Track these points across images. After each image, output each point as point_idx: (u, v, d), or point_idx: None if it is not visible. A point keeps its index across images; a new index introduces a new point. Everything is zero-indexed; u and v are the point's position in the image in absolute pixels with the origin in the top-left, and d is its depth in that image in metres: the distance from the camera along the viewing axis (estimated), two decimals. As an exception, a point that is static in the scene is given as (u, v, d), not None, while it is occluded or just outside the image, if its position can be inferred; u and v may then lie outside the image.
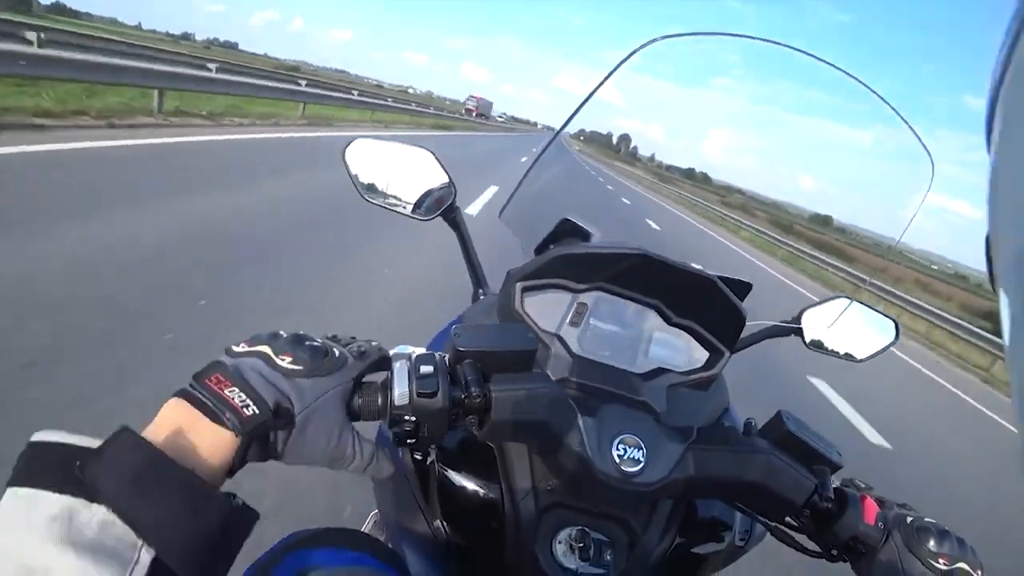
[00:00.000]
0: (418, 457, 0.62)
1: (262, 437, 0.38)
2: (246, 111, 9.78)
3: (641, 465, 0.48)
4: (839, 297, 0.89)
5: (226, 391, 0.37)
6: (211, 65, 10.15)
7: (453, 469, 0.59)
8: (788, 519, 0.52)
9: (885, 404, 5.36)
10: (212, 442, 0.35)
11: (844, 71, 0.70)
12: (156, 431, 0.35)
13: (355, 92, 16.63)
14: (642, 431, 0.50)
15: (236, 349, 0.42)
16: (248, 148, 7.33)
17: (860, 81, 0.69)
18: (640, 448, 0.48)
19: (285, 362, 0.41)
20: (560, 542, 0.54)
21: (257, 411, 0.37)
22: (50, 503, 0.28)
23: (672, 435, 0.50)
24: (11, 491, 0.29)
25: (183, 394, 0.37)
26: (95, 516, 0.29)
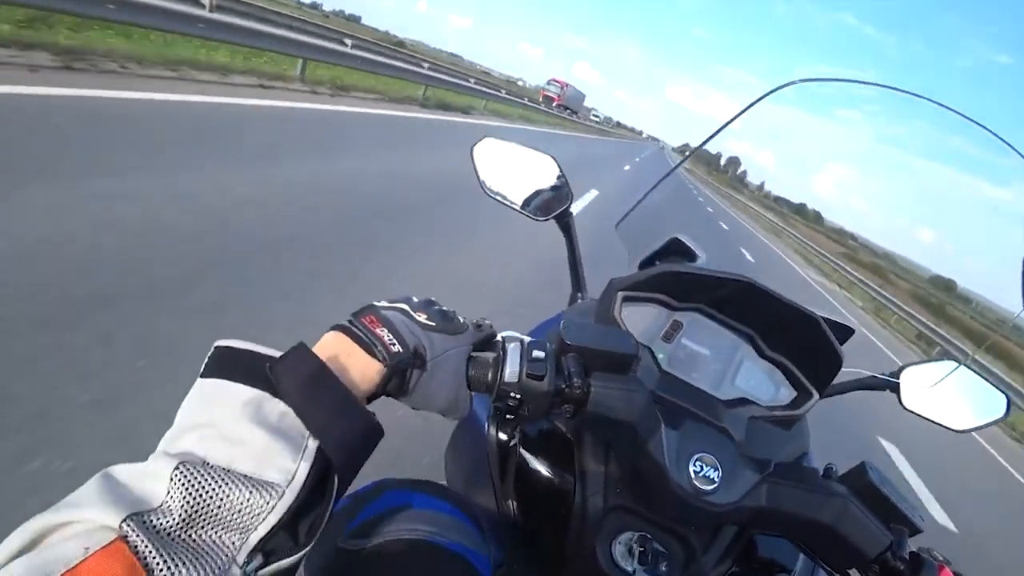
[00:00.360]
0: (503, 437, 0.66)
1: (401, 372, 0.45)
2: (372, 86, 10.62)
3: (715, 485, 0.49)
4: (947, 359, 0.84)
5: (377, 329, 0.44)
6: (347, 41, 11.01)
7: (532, 455, 0.63)
8: (853, 572, 0.50)
9: (958, 485, 4.93)
10: (364, 369, 0.42)
11: (987, 128, 0.67)
12: (319, 353, 0.41)
13: (472, 80, 17.36)
14: (721, 453, 0.51)
15: (379, 304, 0.48)
16: (377, 123, 8.11)
17: (1003, 140, 0.66)
18: (717, 468, 0.50)
19: (421, 318, 0.48)
20: (620, 543, 0.55)
21: (401, 349, 0.44)
22: (244, 392, 0.35)
23: (750, 463, 0.51)
24: (208, 381, 0.36)
25: (342, 328, 0.44)
26: (277, 407, 0.35)
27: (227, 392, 0.36)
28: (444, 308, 0.51)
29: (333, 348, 0.43)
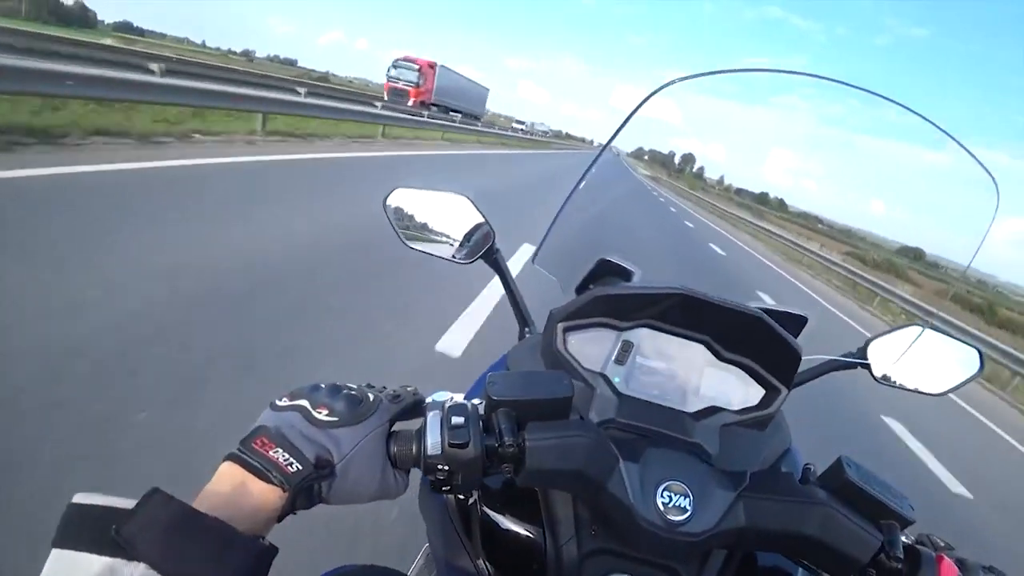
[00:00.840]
0: (461, 497, 0.62)
1: (307, 488, 0.42)
2: (332, 132, 11.17)
3: (688, 514, 0.46)
4: (910, 325, 0.82)
5: (271, 452, 0.41)
6: (300, 89, 11.72)
7: (495, 510, 0.59)
8: None
9: (967, 452, 4.97)
10: (261, 497, 0.40)
11: (885, 97, 0.66)
12: (213, 489, 0.39)
13: (425, 114, 18.57)
14: (689, 477, 0.48)
15: (279, 403, 0.46)
16: (344, 166, 8.37)
17: (905, 106, 0.65)
18: (687, 496, 0.46)
19: (322, 415, 0.45)
20: None
21: (300, 467, 0.41)
22: (90, 563, 0.31)
23: (723, 481, 0.48)
24: (56, 553, 0.32)
25: (233, 458, 0.41)
26: (135, 572, 0.32)
27: (72, 567, 0.32)
28: (352, 389, 0.48)
29: (227, 481, 0.40)
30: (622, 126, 0.70)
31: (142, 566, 0.32)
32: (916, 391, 0.82)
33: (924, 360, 0.80)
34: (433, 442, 0.44)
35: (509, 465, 0.45)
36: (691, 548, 0.47)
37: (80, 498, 0.34)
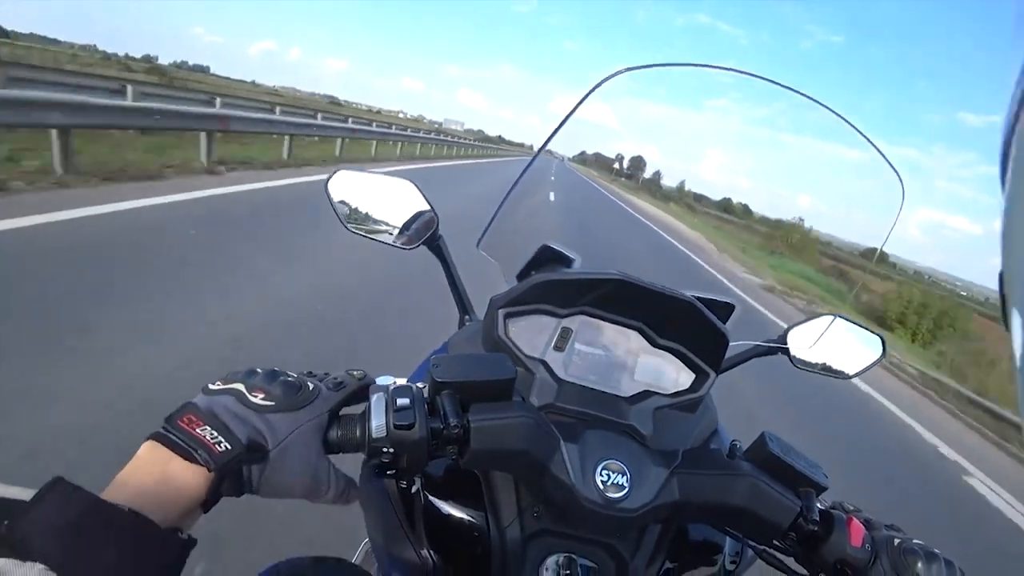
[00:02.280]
0: (403, 485, 0.62)
1: (235, 472, 0.39)
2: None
3: (625, 490, 0.48)
4: (824, 314, 0.89)
5: (198, 430, 0.38)
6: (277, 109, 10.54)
7: (438, 497, 0.59)
8: (775, 542, 0.51)
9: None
10: (185, 480, 0.36)
11: (812, 99, 0.71)
12: (131, 473, 0.36)
13: (374, 124, 16.66)
14: (626, 456, 0.50)
15: (212, 387, 0.43)
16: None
17: (826, 106, 0.71)
18: (624, 473, 0.48)
19: (258, 398, 0.42)
20: (547, 569, 0.53)
21: (229, 447, 0.38)
22: None
23: (657, 459, 0.50)
24: None
25: (156, 437, 0.37)
26: (29, 574, 0.28)
27: None
28: (291, 376, 0.46)
29: (147, 463, 0.37)
30: (565, 120, 0.71)
31: (38, 567, 0.28)
32: (829, 374, 0.89)
33: (836, 346, 0.87)
34: (378, 424, 0.44)
35: (454, 447, 0.45)
36: (629, 523, 0.49)
37: None
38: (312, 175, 7.81)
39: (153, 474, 0.36)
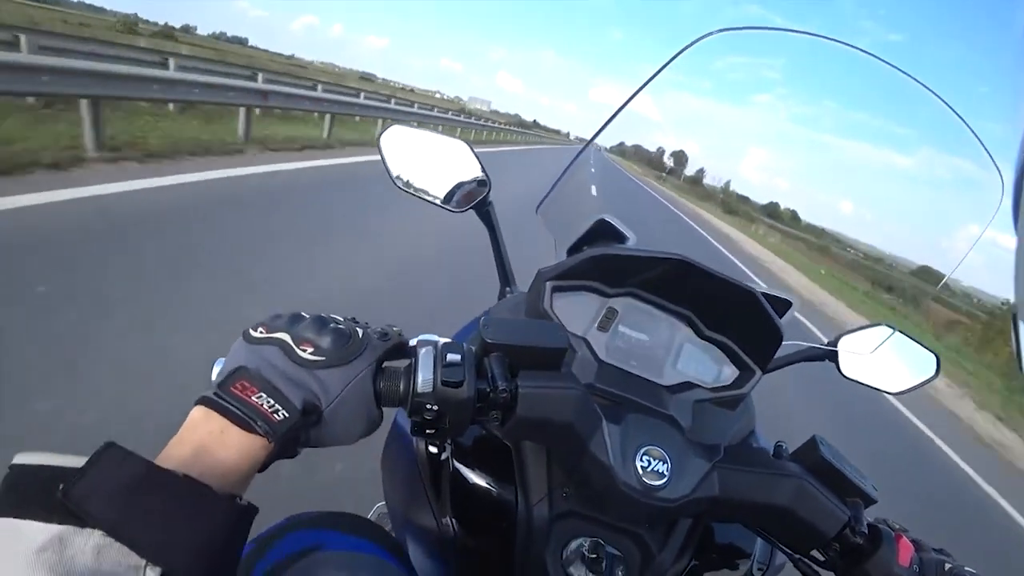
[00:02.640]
0: (433, 451, 0.61)
1: (292, 437, 0.38)
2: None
3: (665, 479, 0.46)
4: (880, 324, 0.85)
5: (253, 397, 0.37)
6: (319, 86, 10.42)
7: (467, 466, 0.58)
8: (814, 552, 0.49)
9: None
10: (243, 449, 0.35)
11: (909, 75, 0.66)
12: (185, 439, 0.35)
13: (415, 105, 16.05)
14: (668, 444, 0.48)
15: (255, 334, 0.41)
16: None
17: (929, 89, 0.66)
18: (665, 461, 0.47)
19: (307, 353, 0.40)
20: (571, 552, 0.52)
21: (287, 414, 0.37)
22: (36, 532, 0.27)
23: (699, 451, 0.48)
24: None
25: (209, 403, 0.36)
26: (89, 541, 0.27)
27: (16, 536, 0.27)
28: (339, 323, 0.44)
29: (201, 430, 0.35)
30: (631, 99, 0.68)
31: (97, 534, 0.27)
32: (876, 388, 0.85)
33: (887, 359, 0.83)
34: (425, 379, 0.42)
35: (498, 413, 0.44)
36: (663, 514, 0.47)
37: (22, 458, 0.29)
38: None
39: (209, 442, 0.34)
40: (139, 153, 4.78)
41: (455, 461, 0.58)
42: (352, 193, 5.97)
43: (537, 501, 0.53)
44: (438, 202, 0.84)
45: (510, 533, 0.54)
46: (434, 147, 0.84)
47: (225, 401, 0.36)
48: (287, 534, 0.50)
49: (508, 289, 0.86)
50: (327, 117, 9.23)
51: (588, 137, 0.76)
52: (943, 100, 0.66)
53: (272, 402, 0.37)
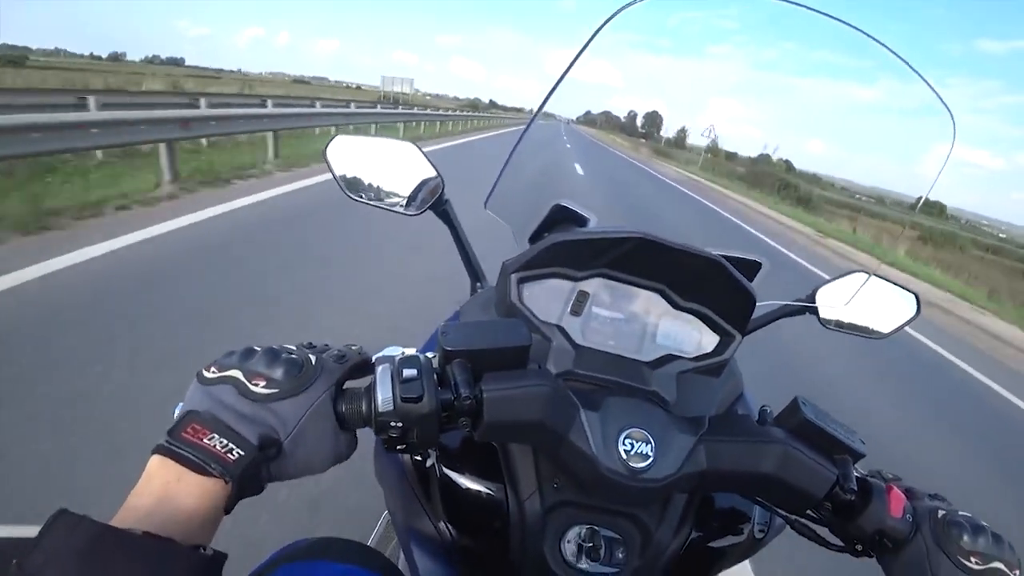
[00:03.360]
0: (418, 458, 0.60)
1: (252, 474, 0.37)
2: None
3: (650, 460, 0.46)
4: (855, 272, 0.85)
5: (205, 440, 0.36)
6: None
7: (454, 470, 0.58)
8: (809, 512, 0.48)
9: None
10: (202, 493, 0.35)
11: (851, 25, 0.65)
12: (142, 493, 0.34)
13: (317, 104, 12.70)
14: (650, 424, 0.47)
15: (207, 375, 0.40)
16: None
17: (873, 37, 0.64)
18: (648, 442, 0.46)
19: (260, 387, 0.40)
20: (569, 541, 0.52)
21: (242, 452, 0.36)
22: None
23: (683, 426, 0.48)
24: None
25: (163, 451, 0.36)
26: None
27: None
28: (291, 352, 0.43)
29: (157, 481, 0.35)
30: (565, 73, 0.66)
31: None
32: (862, 334, 0.85)
33: (868, 305, 0.83)
34: (384, 398, 0.41)
35: (467, 420, 0.43)
36: (653, 494, 0.47)
37: None
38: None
39: (166, 492, 0.34)
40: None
41: (442, 466, 0.58)
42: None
43: (528, 496, 0.53)
44: (394, 208, 0.82)
45: (505, 530, 0.54)
46: (381, 152, 0.83)
47: (177, 447, 0.35)
48: (277, 569, 0.49)
49: (478, 284, 0.85)
50: (268, 137, 7.69)
51: (555, 112, 0.74)
52: (892, 51, 0.65)
53: (225, 442, 0.36)
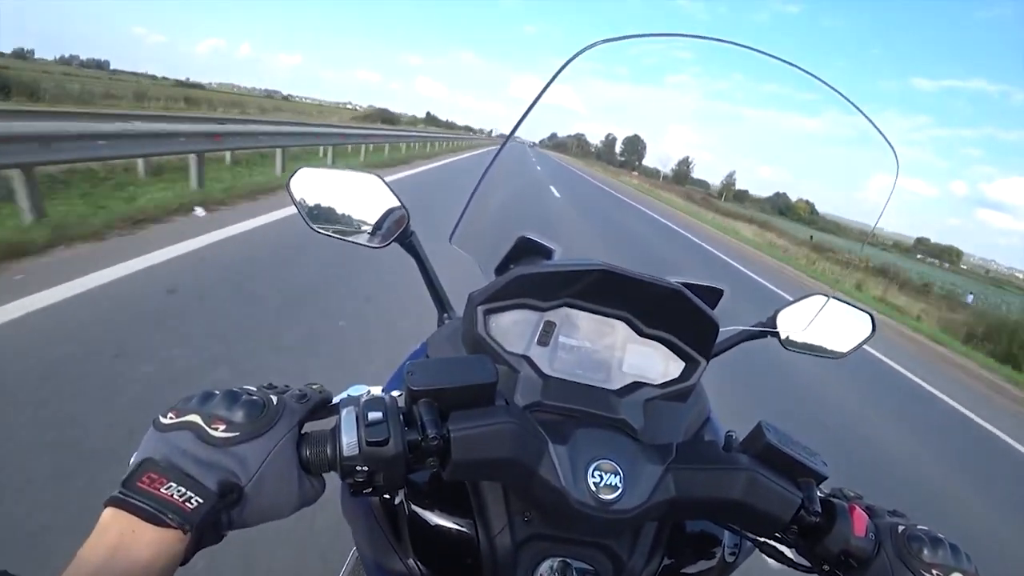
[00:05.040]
0: (386, 496, 0.59)
1: (212, 522, 0.36)
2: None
3: (619, 491, 0.46)
4: (814, 294, 0.88)
5: (162, 489, 0.34)
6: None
7: (423, 506, 0.56)
8: (776, 534, 0.49)
9: None
10: (159, 545, 0.33)
11: (801, 68, 0.68)
12: (94, 545, 0.32)
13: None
14: (619, 454, 0.48)
15: (164, 421, 0.39)
16: None
17: (820, 78, 0.68)
18: (617, 473, 0.46)
19: (219, 431, 0.38)
20: (541, 575, 0.51)
21: (201, 500, 0.35)
22: None
23: (651, 455, 0.48)
24: None
25: (117, 503, 0.34)
26: None
27: None
28: (251, 393, 0.42)
29: (111, 534, 0.33)
30: (537, 98, 0.67)
31: None
32: (821, 354, 0.88)
33: (825, 326, 0.86)
34: (349, 442, 0.41)
35: (435, 459, 0.42)
36: (624, 525, 0.47)
37: None
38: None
39: (121, 544, 0.32)
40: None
41: (411, 503, 0.57)
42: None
43: (498, 532, 0.52)
44: (359, 241, 0.81)
45: (476, 567, 0.53)
46: (345, 184, 0.82)
47: (132, 498, 0.34)
48: None
49: (445, 316, 0.85)
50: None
51: (518, 135, 0.74)
52: (837, 91, 0.68)
53: (183, 490, 0.34)
